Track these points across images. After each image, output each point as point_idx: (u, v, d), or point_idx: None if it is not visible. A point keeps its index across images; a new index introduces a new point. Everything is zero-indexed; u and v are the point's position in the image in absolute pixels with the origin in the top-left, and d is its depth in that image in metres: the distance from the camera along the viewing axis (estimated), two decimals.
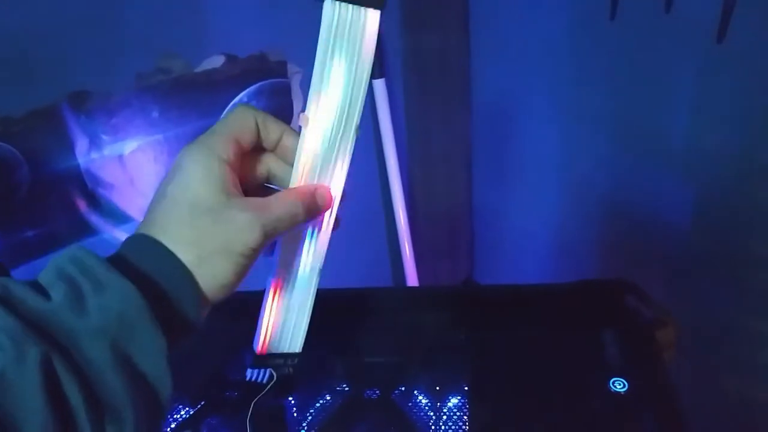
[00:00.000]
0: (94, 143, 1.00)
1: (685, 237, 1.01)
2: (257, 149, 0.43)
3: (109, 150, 1.02)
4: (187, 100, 1.08)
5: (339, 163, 0.43)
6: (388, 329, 0.78)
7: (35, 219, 0.97)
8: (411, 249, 1.44)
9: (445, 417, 0.68)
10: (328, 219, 0.44)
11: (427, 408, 0.69)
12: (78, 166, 0.99)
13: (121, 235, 1.05)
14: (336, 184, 0.43)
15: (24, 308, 0.32)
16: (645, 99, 1.03)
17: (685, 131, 0.98)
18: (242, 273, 0.39)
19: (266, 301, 0.45)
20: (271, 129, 0.42)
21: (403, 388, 0.71)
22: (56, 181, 0.99)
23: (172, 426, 0.68)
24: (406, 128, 1.44)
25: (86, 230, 1.02)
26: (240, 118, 0.41)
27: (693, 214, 1.00)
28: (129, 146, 1.03)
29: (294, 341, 0.46)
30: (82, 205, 1.01)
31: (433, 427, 0.67)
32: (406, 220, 1.43)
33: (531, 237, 1.40)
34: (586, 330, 0.72)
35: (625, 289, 0.76)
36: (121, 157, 1.03)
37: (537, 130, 1.30)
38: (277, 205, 0.40)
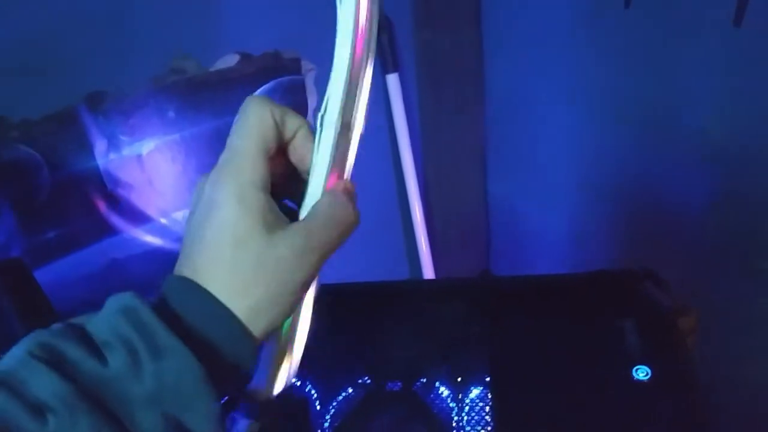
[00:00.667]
0: (113, 144, 1.01)
1: (703, 226, 1.00)
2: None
3: (127, 150, 1.02)
4: (203, 100, 1.08)
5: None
6: (408, 322, 0.78)
7: (56, 220, 0.98)
8: (427, 242, 1.44)
9: (467, 408, 0.68)
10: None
11: (449, 399, 0.69)
12: (97, 167, 1.00)
13: (140, 234, 1.06)
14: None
15: (79, 373, 0.31)
16: (663, 87, 1.02)
17: (704, 119, 0.97)
18: (297, 306, 0.38)
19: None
20: (290, 124, 0.38)
21: (424, 380, 0.71)
22: (76, 183, 0.99)
23: None
24: (419, 122, 1.44)
25: (107, 230, 1.03)
26: (259, 121, 0.37)
27: (712, 203, 0.99)
28: (147, 146, 1.04)
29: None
30: (102, 205, 1.01)
31: (455, 419, 0.67)
32: (422, 213, 1.43)
33: (547, 228, 1.40)
34: (607, 319, 0.72)
35: (644, 277, 0.75)
36: (139, 157, 1.03)
37: (551, 121, 1.29)
38: (317, 235, 0.37)
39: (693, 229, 1.01)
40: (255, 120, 0.37)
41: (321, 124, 0.38)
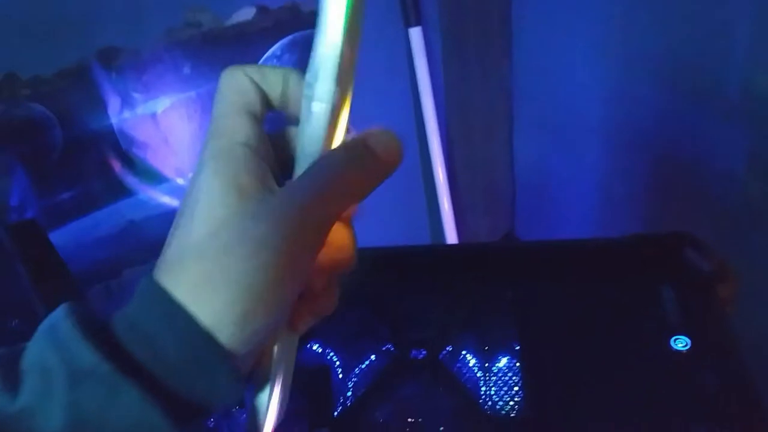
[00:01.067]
0: (126, 102, 0.98)
1: (739, 186, 0.96)
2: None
3: (141, 108, 0.99)
4: (219, 55, 1.05)
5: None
6: (433, 288, 0.75)
7: (70, 180, 0.96)
8: (450, 205, 1.41)
9: (494, 378, 0.66)
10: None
11: (476, 368, 0.67)
12: (111, 125, 0.98)
13: (156, 195, 1.04)
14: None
15: None
16: (696, 39, 0.97)
17: (740, 73, 0.92)
18: (279, 315, 0.29)
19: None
20: (271, 76, 0.32)
21: (450, 348, 0.69)
22: (90, 142, 0.97)
23: None
24: (443, 79, 1.39)
25: (122, 191, 1.01)
26: (233, 83, 0.32)
27: (747, 162, 0.94)
28: (162, 104, 1.01)
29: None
30: (116, 165, 0.99)
31: (483, 389, 0.65)
32: (445, 174, 1.39)
33: (575, 189, 1.36)
34: (644, 286, 0.68)
35: (683, 241, 0.71)
36: (154, 115, 1.00)
37: (581, 76, 1.24)
38: (310, 202, 0.28)
39: (732, 190, 0.97)
40: (227, 84, 0.32)
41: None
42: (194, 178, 0.30)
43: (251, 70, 0.32)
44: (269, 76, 0.32)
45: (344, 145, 0.31)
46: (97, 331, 0.27)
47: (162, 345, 0.27)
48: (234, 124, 0.30)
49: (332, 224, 0.29)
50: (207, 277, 0.27)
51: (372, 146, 0.30)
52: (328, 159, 0.30)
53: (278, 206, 0.28)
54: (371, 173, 0.30)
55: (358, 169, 0.30)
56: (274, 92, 0.32)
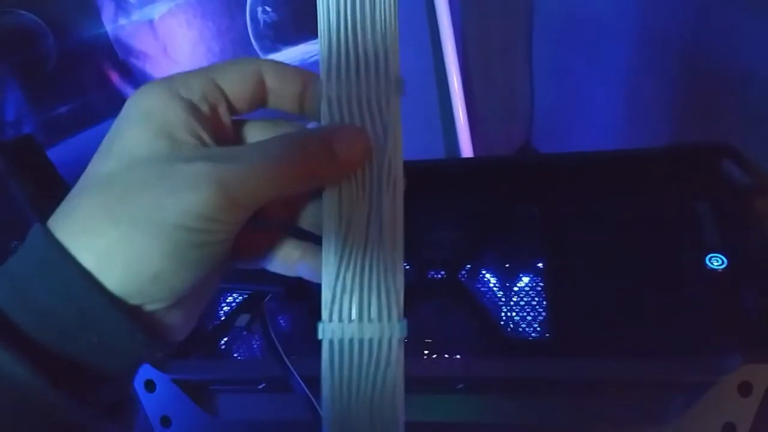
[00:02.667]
0: (121, 8, 0.92)
1: None
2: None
3: (137, 15, 0.93)
4: None
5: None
6: (450, 204, 0.71)
7: (67, 93, 0.91)
8: (465, 114, 1.35)
9: (516, 298, 0.63)
10: (385, 184, 0.28)
11: (496, 288, 0.64)
12: (106, 34, 0.92)
13: None
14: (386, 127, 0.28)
15: None
16: None
17: None
18: (190, 265, 0.25)
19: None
20: (290, 78, 0.29)
21: (469, 267, 0.65)
22: (85, 52, 0.92)
23: (225, 309, 0.65)
24: None
25: (121, 103, 0.96)
26: (232, 63, 0.29)
27: None
28: (159, 10, 0.95)
29: None
30: (114, 76, 0.94)
31: (504, 309, 0.62)
32: (460, 82, 1.33)
33: (598, 95, 1.29)
34: (677, 201, 0.64)
35: (720, 153, 0.66)
36: (151, 22, 0.94)
37: None
38: (256, 152, 0.26)
39: None
40: (231, 61, 0.29)
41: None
42: (116, 123, 0.27)
43: (268, 63, 0.29)
44: (287, 75, 0.29)
45: (305, 136, 0.28)
46: None
47: (33, 292, 0.23)
48: (187, 79, 0.28)
49: (261, 203, 0.26)
50: (106, 210, 0.24)
51: (334, 146, 0.27)
52: (281, 141, 0.27)
53: (213, 156, 0.25)
54: (321, 171, 0.27)
55: (307, 164, 0.26)
56: (287, 89, 0.29)
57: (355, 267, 0.28)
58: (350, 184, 0.28)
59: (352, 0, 0.28)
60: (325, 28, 0.28)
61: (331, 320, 0.28)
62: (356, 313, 0.28)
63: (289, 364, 0.49)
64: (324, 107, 0.28)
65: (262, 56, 1.08)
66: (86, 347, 0.24)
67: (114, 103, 0.96)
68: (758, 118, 0.93)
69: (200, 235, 0.24)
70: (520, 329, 0.60)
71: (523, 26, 1.38)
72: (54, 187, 0.75)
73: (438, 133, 1.51)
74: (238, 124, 0.30)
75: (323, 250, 0.28)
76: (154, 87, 0.27)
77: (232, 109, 0.29)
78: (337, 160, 0.27)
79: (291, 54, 1.11)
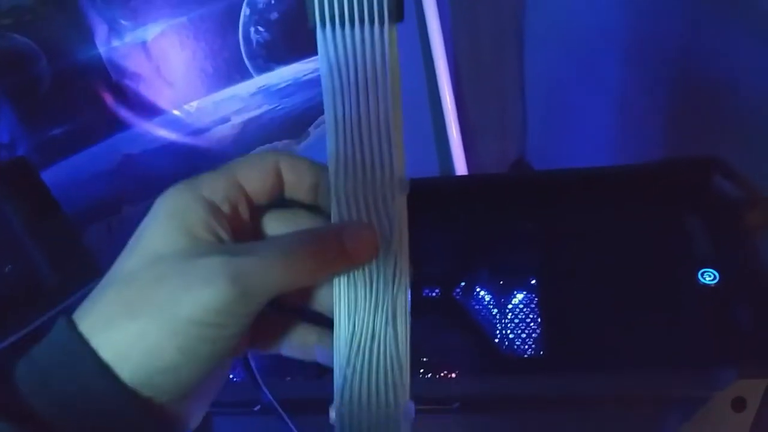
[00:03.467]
0: (114, 29, 0.92)
1: None
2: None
3: (130, 37, 0.94)
4: None
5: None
6: (444, 222, 0.71)
7: (60, 115, 0.92)
8: (458, 130, 1.36)
9: (511, 315, 0.63)
10: (391, 276, 0.29)
11: (491, 305, 0.64)
12: (99, 55, 0.92)
13: (152, 128, 0.99)
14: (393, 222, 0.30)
15: None
16: None
17: None
18: (200, 359, 0.26)
19: None
20: (304, 173, 0.31)
21: (463, 285, 0.66)
22: (78, 74, 0.92)
23: None
24: None
25: (116, 125, 0.96)
26: (252, 160, 0.30)
27: None
28: (152, 31, 0.95)
29: None
30: (107, 98, 0.94)
31: (499, 326, 0.62)
32: (453, 98, 1.33)
33: (590, 110, 1.30)
34: (668, 215, 0.65)
35: (711, 167, 0.67)
36: (144, 43, 0.95)
37: None
38: (269, 246, 0.28)
39: (764, 110, 0.92)
40: (249, 157, 0.31)
41: None
42: (143, 222, 0.28)
43: (285, 156, 0.31)
44: (302, 169, 0.31)
45: (316, 232, 0.29)
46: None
47: (55, 384, 0.25)
48: (210, 180, 0.29)
49: (273, 295, 0.27)
50: (125, 305, 0.26)
51: (344, 242, 0.28)
52: (293, 237, 0.29)
53: (228, 251, 0.27)
54: (331, 266, 0.29)
55: (318, 258, 0.28)
56: (306, 185, 0.31)
57: (364, 355, 0.29)
58: (358, 276, 0.29)
59: (357, 99, 0.28)
60: (332, 124, 0.29)
61: (342, 404, 0.29)
62: (366, 398, 0.29)
63: (267, 392, 0.49)
64: (333, 205, 0.29)
65: (255, 75, 1.08)
66: None
67: (107, 125, 0.96)
68: (748, 131, 0.94)
69: (213, 330, 0.26)
70: (516, 347, 0.60)
71: (515, 43, 1.39)
72: (47, 210, 0.75)
73: (432, 151, 1.52)
74: (257, 215, 0.32)
75: (334, 337, 0.29)
76: (180, 189, 0.29)
77: (251, 203, 0.31)
78: (347, 254, 0.28)
79: (284, 73, 1.12)
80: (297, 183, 0.31)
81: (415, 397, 0.56)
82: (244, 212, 0.30)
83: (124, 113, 0.96)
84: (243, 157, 0.30)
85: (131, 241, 0.28)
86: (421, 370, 0.60)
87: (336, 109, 0.29)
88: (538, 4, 1.33)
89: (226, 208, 0.29)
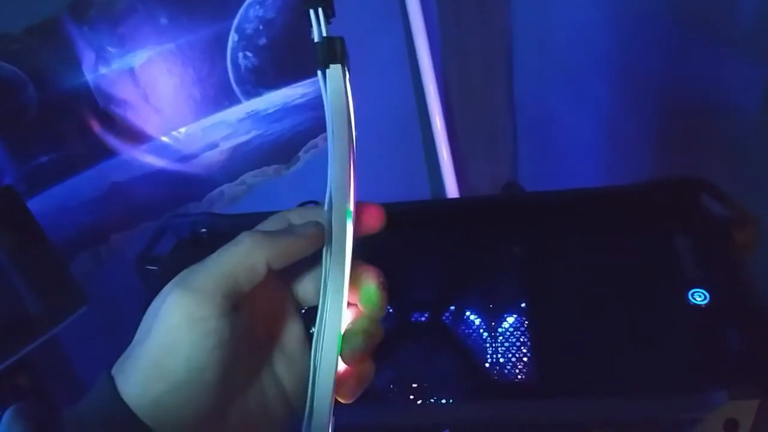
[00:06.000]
0: (101, 57, 0.92)
1: (755, 126, 0.91)
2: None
3: (118, 64, 0.94)
4: (197, 4, 0.98)
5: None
6: (433, 245, 0.71)
7: (48, 143, 0.91)
8: (449, 154, 1.36)
9: (501, 338, 0.62)
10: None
11: (481, 329, 0.63)
12: (87, 83, 0.92)
13: (140, 155, 0.99)
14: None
15: None
16: None
17: (754, 5, 0.86)
18: (195, 369, 0.29)
19: None
20: (296, 253, 0.33)
21: (453, 309, 0.65)
22: (66, 101, 0.91)
23: None
24: (438, 21, 1.32)
25: (103, 152, 0.96)
26: (238, 257, 0.31)
27: (764, 101, 0.89)
28: (139, 58, 0.95)
29: None
30: (95, 125, 0.94)
31: (489, 350, 0.61)
32: (443, 122, 1.34)
33: (580, 133, 1.30)
34: (658, 237, 0.64)
35: (698, 188, 0.67)
36: (132, 70, 0.95)
37: (584, 13, 1.18)
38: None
39: (748, 130, 0.92)
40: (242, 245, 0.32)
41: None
42: (160, 295, 0.31)
43: (273, 248, 0.32)
44: (291, 249, 0.33)
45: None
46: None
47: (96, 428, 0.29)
48: (211, 284, 0.31)
49: (225, 288, 0.30)
50: (134, 345, 0.30)
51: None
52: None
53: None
54: (271, 248, 0.32)
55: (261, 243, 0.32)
56: (309, 292, 0.35)
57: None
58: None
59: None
60: None
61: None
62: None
63: None
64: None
65: (243, 101, 1.08)
66: None
67: (95, 152, 0.96)
68: (734, 152, 0.94)
69: (185, 349, 0.29)
70: (506, 371, 0.60)
71: (504, 67, 1.40)
72: (33, 238, 0.74)
73: (423, 174, 1.52)
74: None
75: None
76: (179, 295, 0.31)
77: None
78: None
79: (273, 98, 1.12)
80: (303, 292, 0.35)
81: (406, 424, 0.55)
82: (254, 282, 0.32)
83: (112, 140, 0.96)
84: (230, 252, 0.31)
85: (149, 314, 0.31)
86: (411, 396, 0.59)
87: None
88: (527, 28, 1.34)
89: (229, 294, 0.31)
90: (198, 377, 0.29)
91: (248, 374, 0.33)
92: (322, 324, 0.32)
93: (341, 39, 0.32)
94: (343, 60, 0.32)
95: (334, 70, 0.32)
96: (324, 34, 0.32)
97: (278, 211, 0.35)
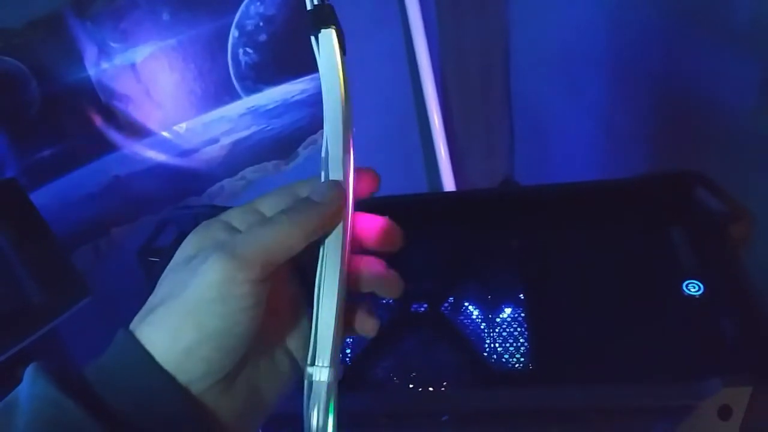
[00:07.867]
0: (104, 52, 0.93)
1: (750, 120, 0.92)
2: None
3: (120, 59, 0.94)
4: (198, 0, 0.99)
5: None
6: (432, 238, 0.72)
7: (50, 137, 0.92)
8: (446, 150, 1.37)
9: (498, 329, 0.63)
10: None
11: (479, 320, 0.64)
12: (89, 77, 0.93)
13: (141, 150, 1.00)
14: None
15: None
16: None
17: (748, 1, 0.87)
18: (214, 336, 0.31)
19: None
20: (294, 246, 0.34)
21: (451, 300, 0.66)
22: (68, 96, 0.92)
23: None
24: (437, 18, 1.33)
25: (105, 146, 0.97)
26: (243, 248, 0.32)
27: (758, 94, 0.90)
28: (141, 53, 0.96)
29: None
30: (97, 119, 0.94)
31: (487, 341, 0.62)
32: (441, 119, 1.35)
33: (576, 128, 1.31)
34: (652, 229, 0.65)
35: (693, 181, 0.68)
36: (133, 65, 0.95)
37: (580, 10, 1.19)
38: (253, 227, 0.33)
39: (742, 124, 0.93)
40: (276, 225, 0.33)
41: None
42: (197, 257, 0.32)
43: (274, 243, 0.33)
44: (288, 243, 0.33)
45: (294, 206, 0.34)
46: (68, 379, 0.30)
47: (118, 378, 0.30)
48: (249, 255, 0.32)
49: (270, 259, 0.32)
50: (152, 305, 0.32)
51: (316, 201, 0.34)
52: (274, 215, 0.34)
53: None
54: (309, 226, 0.34)
55: (302, 224, 0.33)
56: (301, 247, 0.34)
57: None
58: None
59: None
60: None
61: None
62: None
63: None
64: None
65: (244, 96, 1.09)
66: (155, 420, 0.30)
67: (97, 146, 0.96)
68: (728, 146, 0.95)
69: (220, 306, 0.30)
70: (504, 360, 0.61)
71: (501, 64, 1.41)
72: (36, 230, 0.75)
73: (421, 170, 1.53)
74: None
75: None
76: (225, 263, 0.32)
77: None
78: (322, 213, 0.33)
79: (273, 94, 1.13)
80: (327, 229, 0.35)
81: (405, 411, 0.56)
82: (288, 257, 0.33)
83: (113, 135, 0.96)
84: (270, 229, 0.32)
85: (183, 275, 0.32)
86: (411, 385, 0.60)
87: None
88: (523, 26, 1.35)
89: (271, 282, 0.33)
90: (231, 330, 0.30)
91: (264, 343, 0.35)
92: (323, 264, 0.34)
93: (331, 6, 0.34)
94: (335, 23, 0.33)
95: (326, 33, 0.33)
96: (315, 2, 0.33)
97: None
